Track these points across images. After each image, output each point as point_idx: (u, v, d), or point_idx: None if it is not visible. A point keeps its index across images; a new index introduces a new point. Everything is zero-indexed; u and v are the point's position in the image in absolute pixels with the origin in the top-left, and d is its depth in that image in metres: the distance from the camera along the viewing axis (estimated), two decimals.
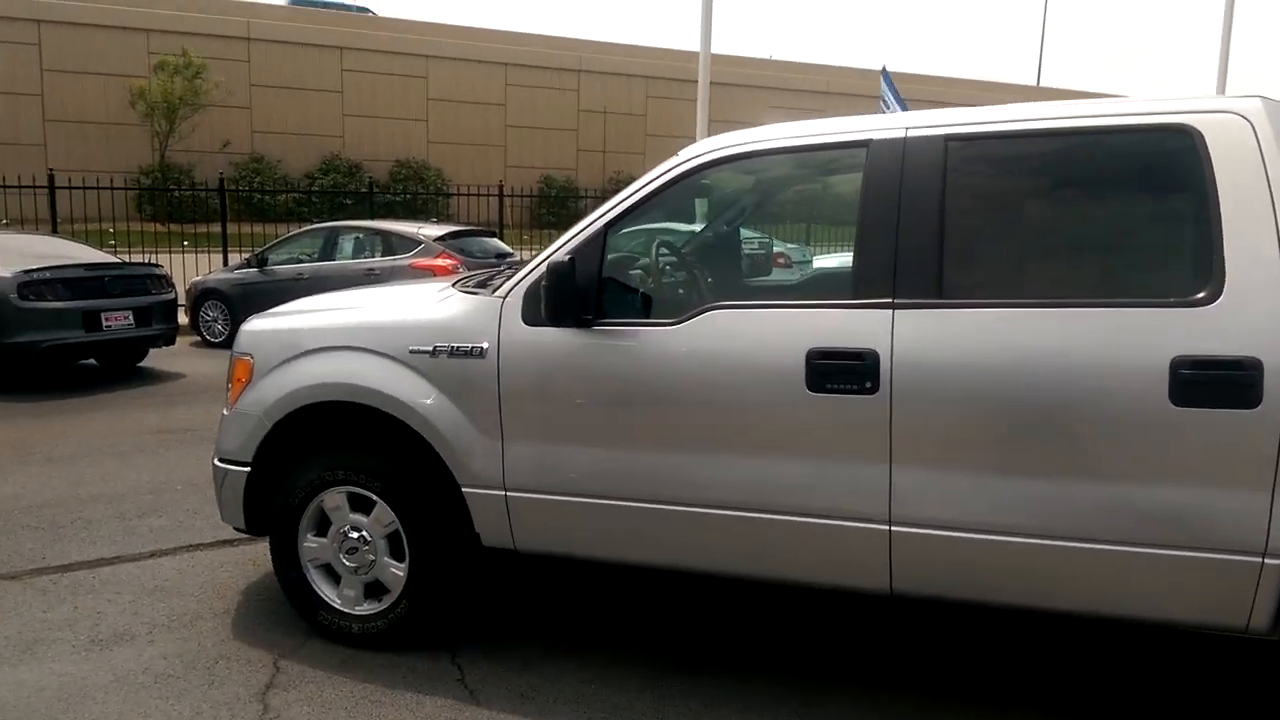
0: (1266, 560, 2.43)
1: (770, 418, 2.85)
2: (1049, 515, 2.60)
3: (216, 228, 14.67)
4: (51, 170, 13.64)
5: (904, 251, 2.75)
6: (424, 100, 37.18)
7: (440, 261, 10.33)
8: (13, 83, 30.39)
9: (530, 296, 3.16)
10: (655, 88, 40.93)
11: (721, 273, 3.20)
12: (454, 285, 3.70)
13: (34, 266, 8.46)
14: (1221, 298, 2.45)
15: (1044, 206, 2.82)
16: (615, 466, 3.05)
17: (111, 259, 9.56)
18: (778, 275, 4.14)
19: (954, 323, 2.67)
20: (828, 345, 2.78)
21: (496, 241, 11.44)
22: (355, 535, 3.48)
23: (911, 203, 2.78)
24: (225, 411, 3.74)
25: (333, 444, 3.53)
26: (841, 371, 2.76)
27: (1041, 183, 2.82)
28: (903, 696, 3.15)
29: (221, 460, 3.69)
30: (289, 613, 3.78)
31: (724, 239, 3.46)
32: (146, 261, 10.40)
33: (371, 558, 3.47)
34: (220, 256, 14.23)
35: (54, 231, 12.78)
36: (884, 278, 2.76)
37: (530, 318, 3.16)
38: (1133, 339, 2.50)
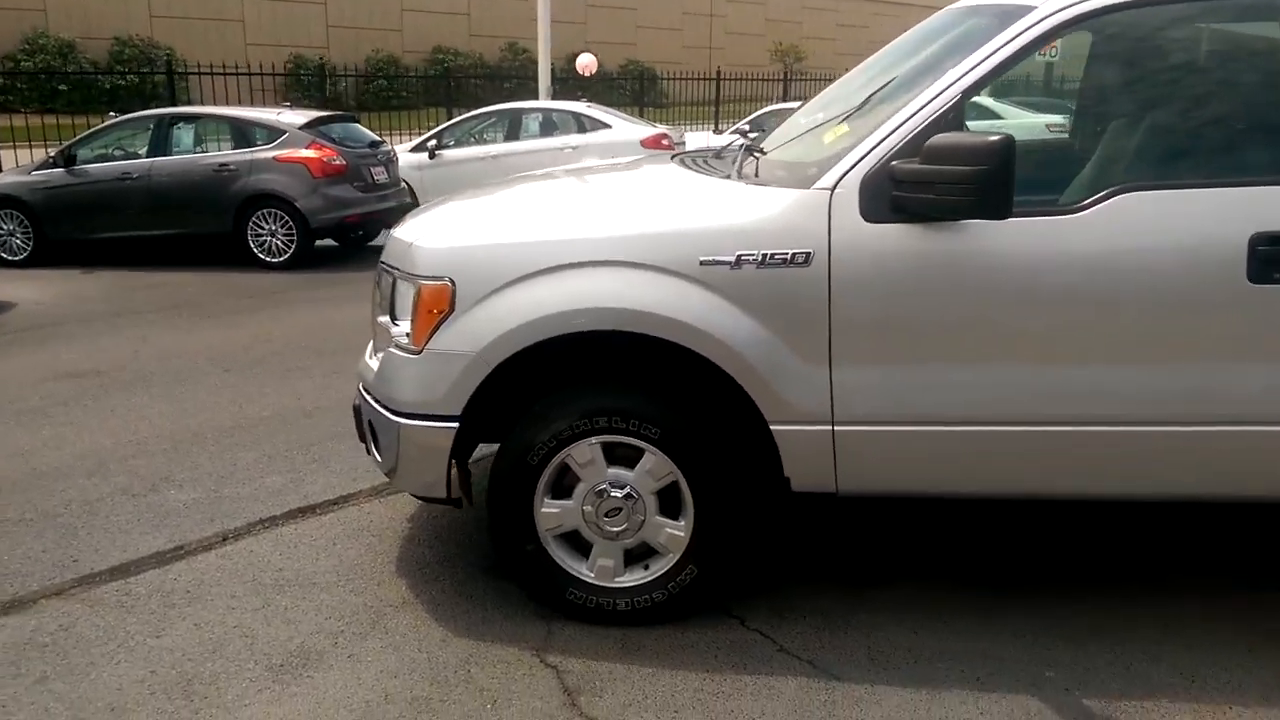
0: None
1: (1207, 316, 2.48)
2: None
3: None
4: None
5: None
6: None
7: (309, 153, 8.93)
8: None
9: (875, 184, 2.55)
10: None
11: (1109, 146, 2.71)
12: (682, 167, 2.99)
13: None
14: None
15: None
16: (1000, 386, 2.58)
17: None
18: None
19: None
20: (1274, 229, 2.43)
21: (360, 127, 10.04)
22: (618, 494, 2.81)
23: None
24: (396, 351, 2.87)
25: (582, 384, 2.80)
26: None
27: None
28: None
29: (407, 415, 2.84)
30: (491, 591, 3.10)
31: (1089, 107, 2.88)
32: None
33: (641, 518, 2.83)
34: None
35: None
36: None
37: (874, 213, 2.56)
38: None
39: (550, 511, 2.86)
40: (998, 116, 12.32)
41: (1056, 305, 2.52)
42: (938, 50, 2.85)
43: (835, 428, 2.68)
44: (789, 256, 2.60)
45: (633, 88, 25.04)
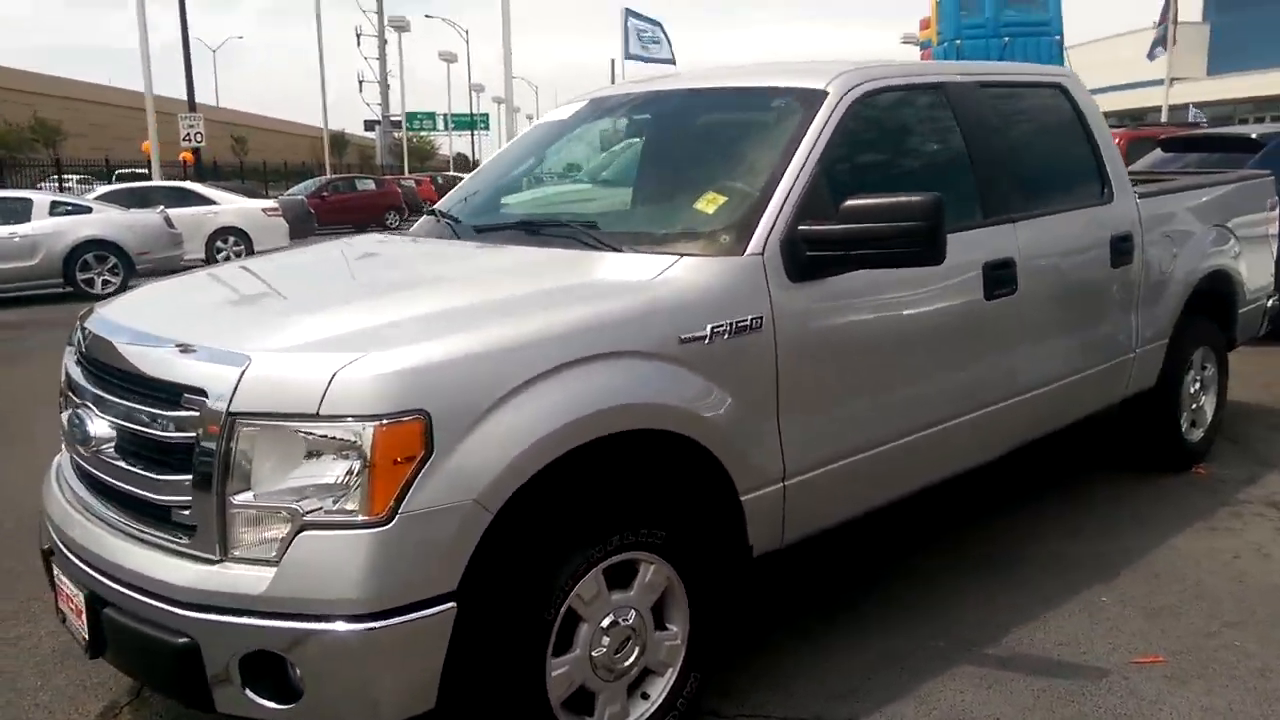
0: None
1: (976, 328, 3.26)
2: (1098, 350, 3.79)
3: None
4: None
5: (1008, 176, 3.46)
6: None
7: None
8: None
9: (790, 246, 2.71)
10: None
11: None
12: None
13: None
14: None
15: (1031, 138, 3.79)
16: (896, 408, 3.01)
17: None
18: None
19: (1041, 229, 3.52)
20: (992, 258, 3.30)
21: None
22: (626, 623, 2.41)
23: (991, 136, 3.48)
24: (333, 534, 2.02)
25: (577, 503, 2.33)
26: (1001, 280, 3.32)
27: (1022, 120, 3.78)
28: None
29: (370, 617, 2.01)
30: None
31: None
32: None
33: (645, 642, 2.47)
34: None
35: None
36: (1003, 198, 3.41)
37: (795, 272, 2.72)
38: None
39: (561, 673, 2.31)
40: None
41: (930, 334, 3.12)
42: (751, 126, 3.20)
43: (786, 483, 2.75)
44: (749, 323, 2.61)
45: None
